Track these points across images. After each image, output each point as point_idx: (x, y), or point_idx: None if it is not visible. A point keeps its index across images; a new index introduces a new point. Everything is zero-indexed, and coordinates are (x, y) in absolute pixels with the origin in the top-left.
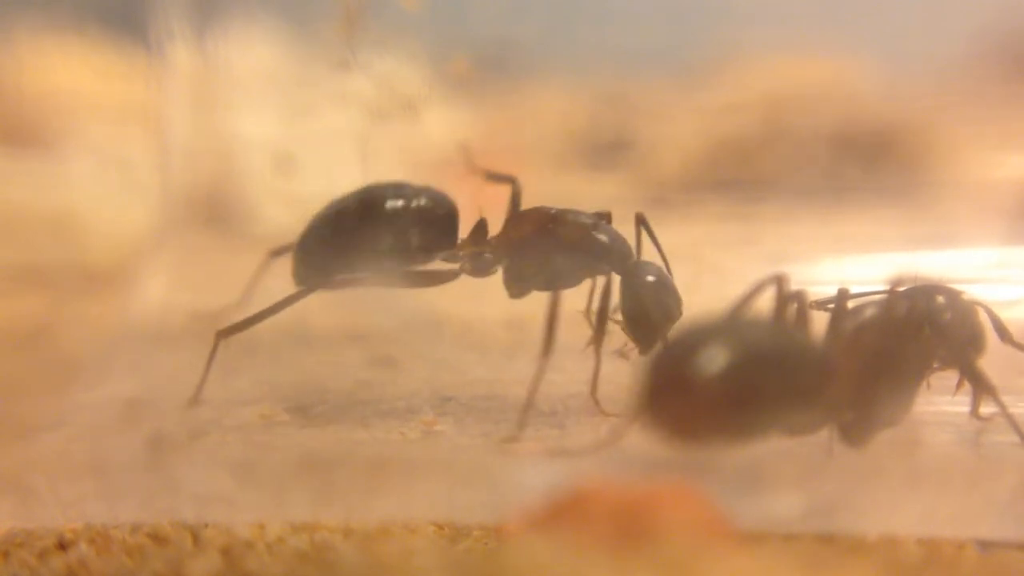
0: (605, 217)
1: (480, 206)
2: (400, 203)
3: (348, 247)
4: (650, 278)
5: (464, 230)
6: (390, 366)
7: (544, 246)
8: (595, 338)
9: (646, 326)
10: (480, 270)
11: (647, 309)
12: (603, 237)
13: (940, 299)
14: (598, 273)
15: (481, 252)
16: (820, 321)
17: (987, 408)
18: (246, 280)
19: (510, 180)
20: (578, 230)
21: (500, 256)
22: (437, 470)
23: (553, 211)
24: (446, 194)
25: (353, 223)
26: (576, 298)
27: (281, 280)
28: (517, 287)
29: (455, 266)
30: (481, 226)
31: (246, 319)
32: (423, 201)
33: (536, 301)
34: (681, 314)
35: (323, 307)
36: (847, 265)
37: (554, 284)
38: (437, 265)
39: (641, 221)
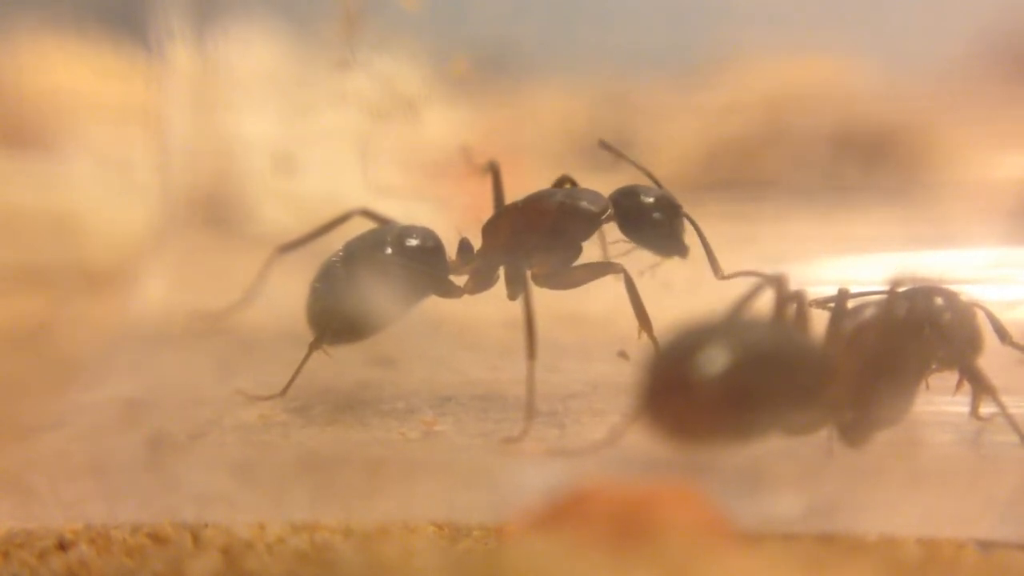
0: (567, 181)
1: (479, 207)
2: (387, 250)
3: (352, 307)
4: (630, 200)
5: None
6: (389, 366)
7: (528, 238)
8: (643, 326)
9: (660, 233)
10: (482, 285)
11: (651, 222)
12: (573, 202)
13: (939, 299)
14: (587, 238)
15: (476, 268)
16: (820, 321)
17: (987, 408)
18: (247, 279)
19: (490, 167)
20: (549, 209)
21: (494, 265)
22: (437, 470)
23: (519, 202)
24: (426, 228)
25: (349, 280)
26: (572, 298)
27: (286, 275)
28: (521, 289)
29: (459, 284)
30: (465, 244)
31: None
32: (409, 241)
33: (537, 301)
34: (674, 200)
35: None
36: (847, 265)
37: (558, 269)
38: None
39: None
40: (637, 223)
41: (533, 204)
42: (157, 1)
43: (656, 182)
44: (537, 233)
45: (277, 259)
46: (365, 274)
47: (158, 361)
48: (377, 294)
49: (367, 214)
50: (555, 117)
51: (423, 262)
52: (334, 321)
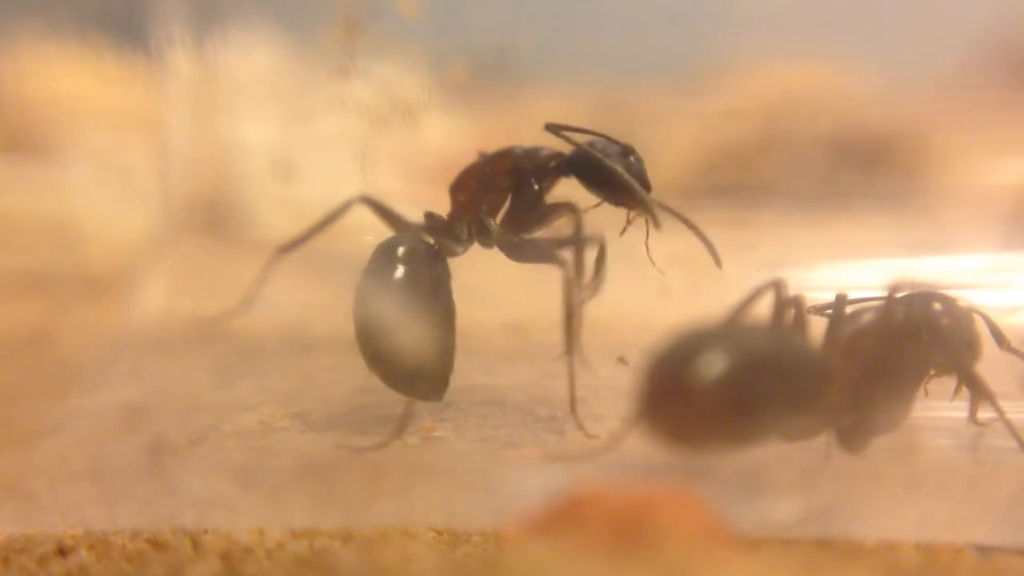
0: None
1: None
2: (404, 268)
3: (411, 349)
4: (589, 152)
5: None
6: None
7: (491, 191)
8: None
9: (619, 187)
10: (459, 245)
11: (610, 173)
12: (534, 152)
13: (937, 305)
14: (548, 185)
15: (450, 231)
16: (818, 326)
17: (985, 413)
18: (246, 284)
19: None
20: (507, 160)
21: (463, 223)
22: (436, 476)
23: (481, 159)
24: (405, 233)
25: (391, 327)
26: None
27: (285, 276)
28: (492, 242)
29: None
30: (431, 216)
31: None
32: (415, 244)
33: (534, 304)
34: (634, 152)
35: (322, 313)
36: (845, 271)
37: (519, 216)
38: None
39: (550, 128)
40: (593, 173)
41: (493, 158)
42: (158, 8)
43: (617, 142)
44: (497, 184)
45: (277, 260)
46: (398, 313)
47: (158, 366)
48: (417, 322)
49: (367, 201)
50: None
51: (426, 265)
52: (405, 366)
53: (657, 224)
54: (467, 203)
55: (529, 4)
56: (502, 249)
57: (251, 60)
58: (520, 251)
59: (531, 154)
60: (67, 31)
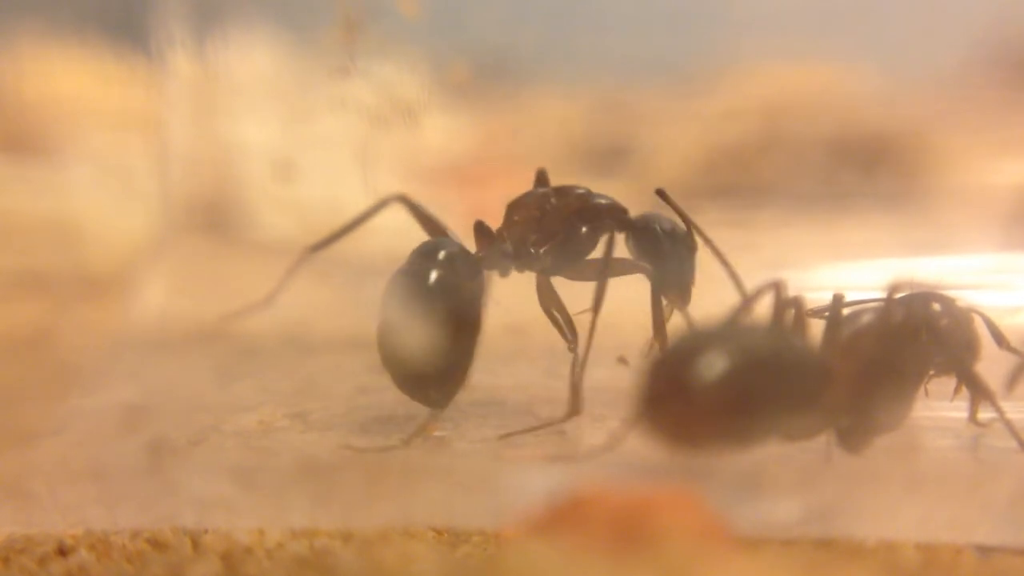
0: (543, 177)
1: (477, 213)
2: (439, 273)
3: (427, 341)
4: (655, 224)
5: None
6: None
7: (548, 221)
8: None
9: (674, 273)
10: (504, 260)
11: (666, 254)
12: (601, 200)
13: (936, 305)
14: (601, 235)
15: (500, 248)
16: (818, 327)
17: (985, 413)
18: (246, 285)
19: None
20: (574, 199)
21: (510, 242)
22: (436, 476)
23: (548, 188)
24: (448, 238)
25: (413, 317)
26: (572, 304)
27: (303, 278)
28: (524, 266)
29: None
30: (481, 228)
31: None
32: (455, 251)
33: (535, 305)
34: (696, 248)
35: (323, 313)
36: (845, 271)
37: (565, 256)
38: None
39: (661, 194)
40: (651, 248)
41: (560, 192)
42: (158, 8)
43: (698, 230)
44: (556, 218)
45: (308, 258)
46: (424, 317)
47: (158, 366)
48: (442, 331)
49: (403, 200)
50: (554, 124)
51: (464, 274)
52: (419, 372)
53: (683, 308)
54: (520, 224)
55: (529, 4)
56: (563, 273)
57: (251, 60)
58: (581, 270)
59: (597, 200)
60: (67, 31)
